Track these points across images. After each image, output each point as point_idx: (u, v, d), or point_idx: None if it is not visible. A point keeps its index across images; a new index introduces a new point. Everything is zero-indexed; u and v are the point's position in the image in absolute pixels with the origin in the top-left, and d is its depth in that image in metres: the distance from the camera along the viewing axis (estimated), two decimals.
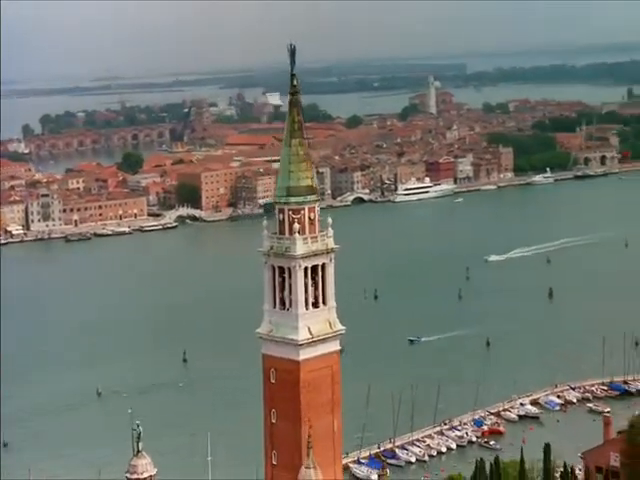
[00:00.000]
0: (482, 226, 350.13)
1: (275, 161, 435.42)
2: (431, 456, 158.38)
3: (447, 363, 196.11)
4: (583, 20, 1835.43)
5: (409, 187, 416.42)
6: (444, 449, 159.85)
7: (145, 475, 70.23)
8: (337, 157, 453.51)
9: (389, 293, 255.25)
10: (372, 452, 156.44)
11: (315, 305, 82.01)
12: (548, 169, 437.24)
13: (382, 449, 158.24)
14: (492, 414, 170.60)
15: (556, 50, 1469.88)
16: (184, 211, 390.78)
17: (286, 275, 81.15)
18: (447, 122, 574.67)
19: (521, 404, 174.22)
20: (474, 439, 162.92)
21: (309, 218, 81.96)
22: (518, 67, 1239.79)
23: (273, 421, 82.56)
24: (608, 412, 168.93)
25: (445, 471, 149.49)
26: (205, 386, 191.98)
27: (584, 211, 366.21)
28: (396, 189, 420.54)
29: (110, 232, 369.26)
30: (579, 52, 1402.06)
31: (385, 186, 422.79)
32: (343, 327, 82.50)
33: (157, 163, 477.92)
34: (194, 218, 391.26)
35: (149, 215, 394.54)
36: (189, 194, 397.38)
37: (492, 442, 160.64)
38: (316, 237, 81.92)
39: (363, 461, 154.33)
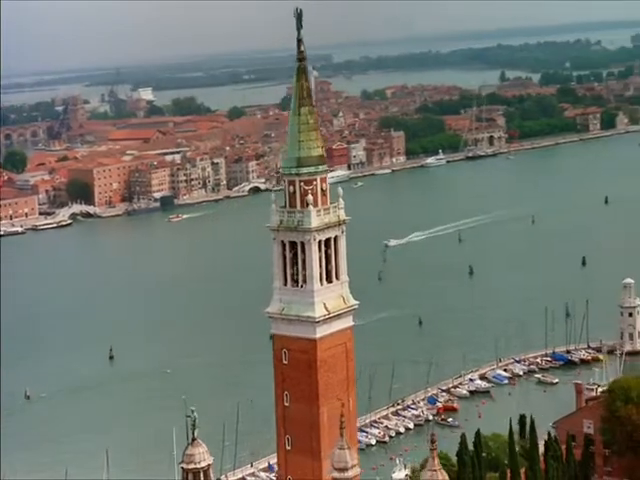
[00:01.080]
0: (386, 209, 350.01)
1: (168, 153, 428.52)
2: (390, 437, 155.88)
3: (384, 345, 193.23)
4: (440, 9, 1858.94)
5: None
6: (402, 429, 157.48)
7: (203, 464, 65.40)
8: (228, 148, 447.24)
9: None
10: None
11: (329, 280, 78.36)
12: (440, 151, 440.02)
13: None
14: (444, 391, 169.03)
15: (419, 38, 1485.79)
16: (77, 208, 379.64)
17: (298, 250, 77.21)
18: (331, 110, 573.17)
19: (470, 379, 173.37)
20: (430, 417, 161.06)
21: (321, 189, 78.17)
22: (384, 55, 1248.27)
23: (286, 404, 78.71)
24: (556, 382, 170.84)
25: (409, 450, 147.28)
26: None
27: (480, 190, 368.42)
28: None
29: (2, 232, 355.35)
30: (441, 39, 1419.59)
31: (280, 174, 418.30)
32: (356, 301, 78.93)
33: (40, 161, 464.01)
34: (88, 214, 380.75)
35: (40, 214, 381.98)
36: (81, 190, 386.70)
37: (450, 419, 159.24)
38: (328, 209, 78.45)
39: None
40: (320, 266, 77.53)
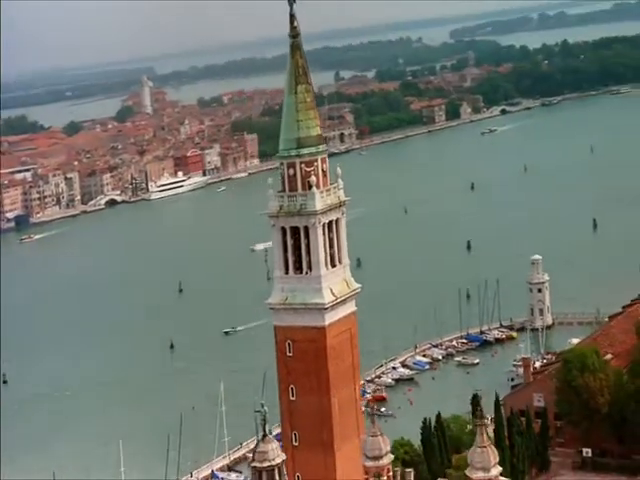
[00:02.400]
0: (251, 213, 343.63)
1: (17, 172, 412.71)
2: None
3: None
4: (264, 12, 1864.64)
5: (163, 183, 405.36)
6: None
7: (278, 461, 60.23)
8: (76, 162, 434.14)
9: (193, 287, 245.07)
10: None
11: (332, 264, 74.58)
12: None
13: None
14: (369, 382, 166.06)
15: (243, 45, 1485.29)
16: None
17: (302, 235, 73.12)
18: (176, 118, 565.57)
19: (393, 368, 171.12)
20: (363, 408, 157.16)
21: (322, 170, 74.21)
22: (212, 64, 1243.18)
23: (292, 398, 74.58)
24: (477, 363, 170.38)
25: None
26: None
27: (346, 186, 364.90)
28: (148, 187, 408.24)
29: None
30: (266, 44, 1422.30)
31: (135, 185, 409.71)
32: (359, 285, 75.32)
33: None
34: None
35: None
36: None
37: (383, 409, 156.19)
38: (329, 190, 74.61)
39: None
40: (325, 250, 73.47)
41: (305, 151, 72.90)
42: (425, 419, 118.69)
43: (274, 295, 74.26)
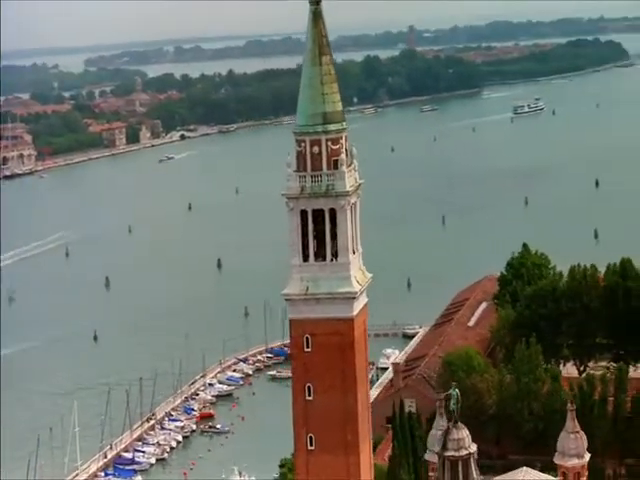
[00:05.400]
0: None
1: None
2: (167, 452, 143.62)
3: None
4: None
5: None
6: (174, 443, 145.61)
7: (473, 449, 55.09)
8: None
9: None
10: (104, 462, 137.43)
11: (353, 251, 69.21)
12: None
13: (110, 457, 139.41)
14: (191, 400, 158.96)
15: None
16: None
17: (326, 218, 67.19)
18: None
19: (209, 384, 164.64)
20: (194, 427, 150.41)
21: (346, 149, 68.84)
22: None
23: (308, 398, 68.47)
24: (290, 377, 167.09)
25: (196, 464, 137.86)
26: None
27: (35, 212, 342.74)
28: None
29: None
30: None
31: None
32: (371, 274, 70.35)
33: None
34: None
35: None
36: None
37: (218, 425, 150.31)
38: (351, 170, 68.96)
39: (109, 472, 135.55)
40: (353, 235, 68.28)
41: (332, 127, 67.00)
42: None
43: (291, 285, 67.46)
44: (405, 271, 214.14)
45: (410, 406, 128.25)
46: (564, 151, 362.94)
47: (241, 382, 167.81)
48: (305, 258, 67.68)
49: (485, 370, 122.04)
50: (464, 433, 55.48)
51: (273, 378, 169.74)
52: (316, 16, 67.66)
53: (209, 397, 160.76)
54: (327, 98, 67.28)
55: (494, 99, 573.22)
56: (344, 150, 68.19)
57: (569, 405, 70.76)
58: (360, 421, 68.98)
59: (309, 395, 68.29)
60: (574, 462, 68.74)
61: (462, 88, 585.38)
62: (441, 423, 70.69)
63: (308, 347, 67.96)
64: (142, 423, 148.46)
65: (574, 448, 68.93)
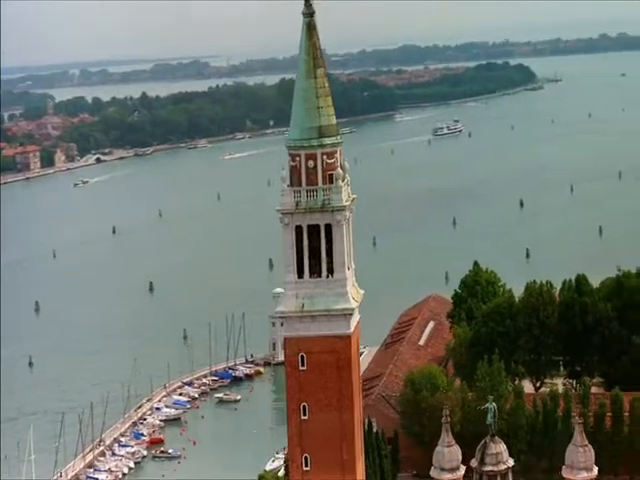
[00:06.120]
0: None
1: None
2: (120, 478, 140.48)
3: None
4: None
5: None
6: (126, 469, 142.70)
7: (511, 463, 54.37)
8: None
9: None
10: None
11: (348, 267, 68.29)
12: None
13: None
14: (137, 424, 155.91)
15: None
16: None
17: (322, 234, 66.11)
18: None
19: (157, 408, 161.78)
20: (145, 452, 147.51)
21: (340, 163, 67.83)
22: None
23: (303, 418, 66.99)
24: (239, 399, 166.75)
25: None
26: None
27: None
28: None
29: None
30: None
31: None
32: (362, 290, 69.27)
33: None
34: None
35: None
36: None
37: (170, 450, 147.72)
38: (345, 185, 67.53)
39: None
40: (348, 250, 67.20)
41: (328, 141, 65.88)
42: None
43: (287, 302, 65.93)
44: None
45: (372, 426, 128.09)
46: (486, 172, 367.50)
47: (188, 406, 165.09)
48: (300, 275, 66.34)
49: (449, 388, 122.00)
50: (502, 447, 54.64)
51: (220, 401, 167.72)
52: (310, 28, 66.41)
53: (157, 421, 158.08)
54: (322, 112, 66.20)
55: (408, 122, 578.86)
56: (339, 164, 67.43)
57: (577, 419, 70.81)
58: (357, 441, 68.03)
59: (304, 414, 66.66)
60: (583, 475, 68.59)
61: (377, 111, 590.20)
62: (446, 439, 70.09)
63: (303, 365, 66.40)
64: (92, 449, 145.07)
65: (583, 462, 68.75)
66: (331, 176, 66.03)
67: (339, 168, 66.51)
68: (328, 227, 65.95)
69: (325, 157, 66.15)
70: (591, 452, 69.87)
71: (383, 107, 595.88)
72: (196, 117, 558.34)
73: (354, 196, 68.48)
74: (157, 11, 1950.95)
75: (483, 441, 57.45)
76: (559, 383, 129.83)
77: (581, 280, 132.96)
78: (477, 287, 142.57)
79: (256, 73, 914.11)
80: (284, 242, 66.29)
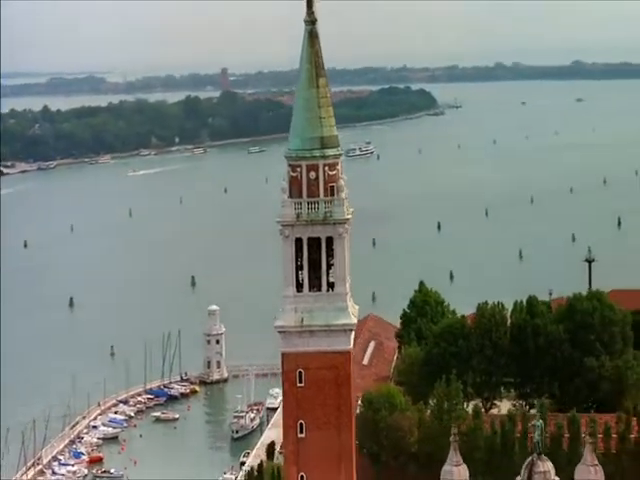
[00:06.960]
0: None
1: None
2: None
3: None
4: None
5: None
6: None
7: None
8: None
9: None
10: None
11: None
12: None
13: None
14: (75, 442, 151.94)
15: None
16: None
17: (322, 247, 65.52)
18: None
19: (93, 426, 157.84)
20: (86, 471, 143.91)
21: (341, 174, 67.44)
22: None
23: (300, 435, 66.16)
24: (177, 418, 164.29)
25: None
26: None
27: None
28: None
29: None
30: None
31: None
32: (357, 305, 68.62)
33: None
34: None
35: None
36: None
37: (112, 470, 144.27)
38: (346, 198, 67.22)
39: None
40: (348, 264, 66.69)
41: (330, 152, 65.20)
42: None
43: (285, 317, 65.12)
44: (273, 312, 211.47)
45: None
46: (399, 195, 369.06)
47: (125, 424, 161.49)
48: (299, 288, 65.33)
49: (406, 408, 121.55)
50: (549, 465, 54.26)
51: (157, 420, 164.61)
52: (312, 36, 65.58)
53: (95, 440, 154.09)
54: (324, 122, 65.44)
55: None
56: (339, 176, 66.43)
57: (587, 438, 70.92)
58: (354, 458, 67.25)
59: (301, 432, 65.75)
60: None
61: (283, 131, 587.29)
62: (454, 458, 69.76)
63: (301, 382, 65.53)
64: (30, 468, 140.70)
65: None
66: (332, 188, 65.39)
67: (340, 180, 65.72)
68: (329, 240, 65.16)
69: (327, 168, 65.46)
70: (601, 472, 70.12)
71: (287, 127, 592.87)
72: (100, 132, 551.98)
73: (352, 209, 67.76)
74: (48, 26, 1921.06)
75: (530, 459, 57.05)
76: (509, 404, 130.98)
77: (532, 302, 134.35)
78: (426, 307, 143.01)
79: (155, 90, 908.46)
80: (283, 255, 65.34)
